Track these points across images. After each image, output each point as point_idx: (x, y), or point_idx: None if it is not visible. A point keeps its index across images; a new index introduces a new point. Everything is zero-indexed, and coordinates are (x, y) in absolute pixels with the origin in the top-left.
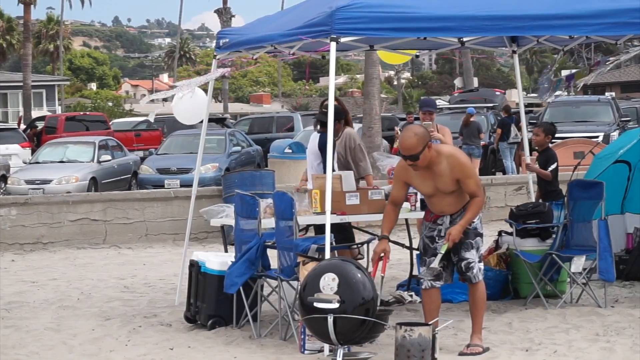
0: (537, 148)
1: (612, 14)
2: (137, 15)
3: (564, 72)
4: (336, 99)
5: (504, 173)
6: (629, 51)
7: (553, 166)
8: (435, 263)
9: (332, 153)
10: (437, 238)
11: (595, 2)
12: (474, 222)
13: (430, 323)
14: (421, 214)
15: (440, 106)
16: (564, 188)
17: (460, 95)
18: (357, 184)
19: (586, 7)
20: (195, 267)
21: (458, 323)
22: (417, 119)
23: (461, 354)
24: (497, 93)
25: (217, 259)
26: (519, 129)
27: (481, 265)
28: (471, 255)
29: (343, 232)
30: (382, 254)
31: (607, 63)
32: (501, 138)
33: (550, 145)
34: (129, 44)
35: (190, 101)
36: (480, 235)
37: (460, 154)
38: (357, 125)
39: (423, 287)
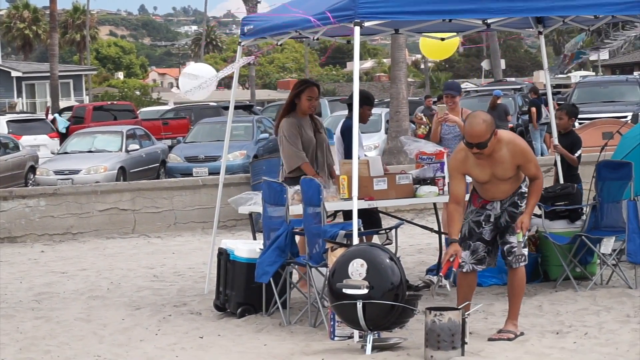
0: (562, 131)
1: None
2: (163, 3)
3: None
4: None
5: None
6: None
7: (579, 152)
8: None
9: (357, 139)
10: (483, 223)
11: None
12: (521, 206)
13: (460, 307)
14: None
15: (468, 89)
16: (592, 169)
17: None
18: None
19: None
20: (223, 255)
21: (488, 307)
22: (435, 102)
23: (491, 339)
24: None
25: (246, 246)
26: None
27: (525, 251)
28: (514, 239)
29: (370, 217)
30: (453, 256)
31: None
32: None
33: (575, 127)
34: (156, 32)
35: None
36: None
37: (519, 140)
38: (384, 110)
39: (464, 270)
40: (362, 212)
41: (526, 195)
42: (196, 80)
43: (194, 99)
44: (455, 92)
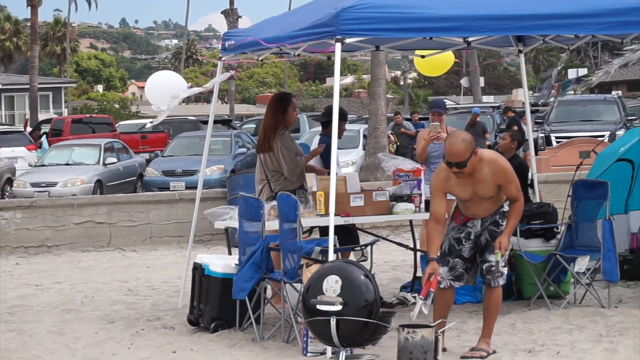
0: (503, 153)
1: (618, 12)
2: (144, 16)
3: (570, 72)
4: None
5: None
6: (634, 49)
7: (529, 176)
8: (422, 309)
9: (335, 154)
10: (464, 240)
11: (600, 0)
12: (502, 225)
13: (433, 325)
14: (426, 215)
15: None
16: (568, 187)
17: None
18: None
19: (591, 6)
20: (198, 270)
21: (461, 324)
22: (422, 119)
23: (463, 357)
24: None
25: (221, 261)
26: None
27: (505, 270)
28: (493, 258)
29: (347, 234)
30: (432, 276)
31: (612, 64)
32: None
33: (519, 154)
34: (136, 45)
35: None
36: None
37: (501, 160)
38: (362, 126)
39: (441, 286)
40: (340, 229)
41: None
42: (167, 94)
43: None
44: (442, 110)
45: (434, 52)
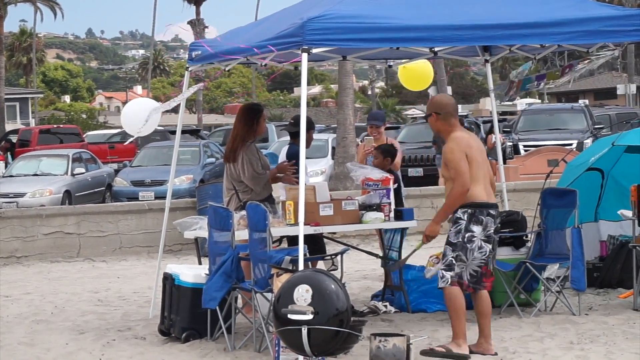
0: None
1: (583, 22)
2: (111, 27)
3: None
4: None
5: None
6: (599, 56)
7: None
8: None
9: (304, 164)
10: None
11: (566, 10)
12: (456, 224)
13: (403, 334)
14: (396, 224)
15: (415, 115)
16: (537, 196)
17: None
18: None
19: (556, 16)
20: (169, 280)
21: (432, 333)
22: (390, 128)
23: (423, 352)
24: None
25: (191, 271)
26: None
27: (446, 273)
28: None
29: (314, 244)
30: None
31: (579, 69)
32: None
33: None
34: (103, 55)
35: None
36: (451, 244)
37: (454, 142)
38: (331, 135)
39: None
40: (306, 238)
41: (460, 220)
42: (142, 118)
43: (145, 134)
44: (380, 122)
45: (402, 62)
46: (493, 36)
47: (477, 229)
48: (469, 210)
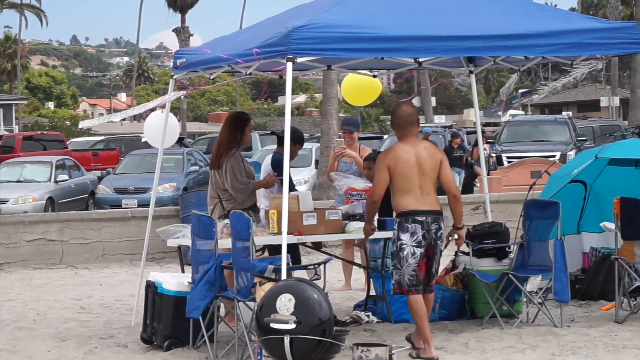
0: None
1: (567, 34)
2: (95, 34)
3: (521, 91)
4: None
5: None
6: (576, 69)
7: None
8: None
9: (288, 173)
10: None
11: (550, 22)
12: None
13: (385, 344)
14: (379, 234)
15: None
16: (520, 207)
17: None
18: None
19: (541, 28)
20: (151, 288)
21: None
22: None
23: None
24: None
25: (174, 279)
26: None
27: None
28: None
29: (291, 252)
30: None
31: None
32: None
33: None
34: (87, 62)
35: (161, 123)
36: (391, 254)
37: (381, 154)
38: (315, 145)
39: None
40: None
41: (394, 231)
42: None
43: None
44: (354, 128)
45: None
46: (477, 47)
47: (405, 237)
48: (397, 220)
